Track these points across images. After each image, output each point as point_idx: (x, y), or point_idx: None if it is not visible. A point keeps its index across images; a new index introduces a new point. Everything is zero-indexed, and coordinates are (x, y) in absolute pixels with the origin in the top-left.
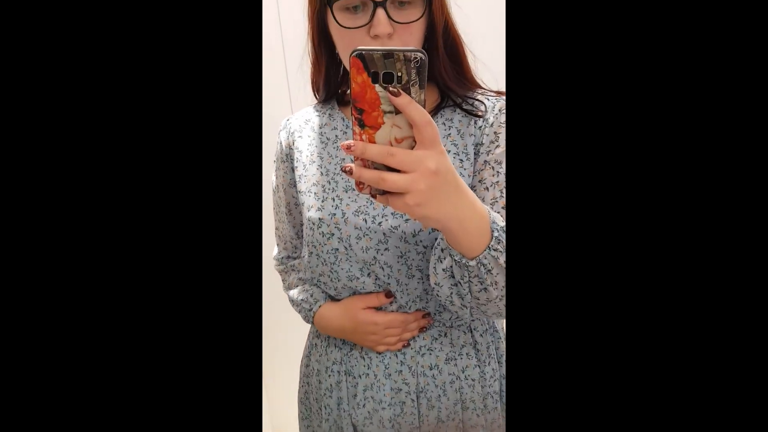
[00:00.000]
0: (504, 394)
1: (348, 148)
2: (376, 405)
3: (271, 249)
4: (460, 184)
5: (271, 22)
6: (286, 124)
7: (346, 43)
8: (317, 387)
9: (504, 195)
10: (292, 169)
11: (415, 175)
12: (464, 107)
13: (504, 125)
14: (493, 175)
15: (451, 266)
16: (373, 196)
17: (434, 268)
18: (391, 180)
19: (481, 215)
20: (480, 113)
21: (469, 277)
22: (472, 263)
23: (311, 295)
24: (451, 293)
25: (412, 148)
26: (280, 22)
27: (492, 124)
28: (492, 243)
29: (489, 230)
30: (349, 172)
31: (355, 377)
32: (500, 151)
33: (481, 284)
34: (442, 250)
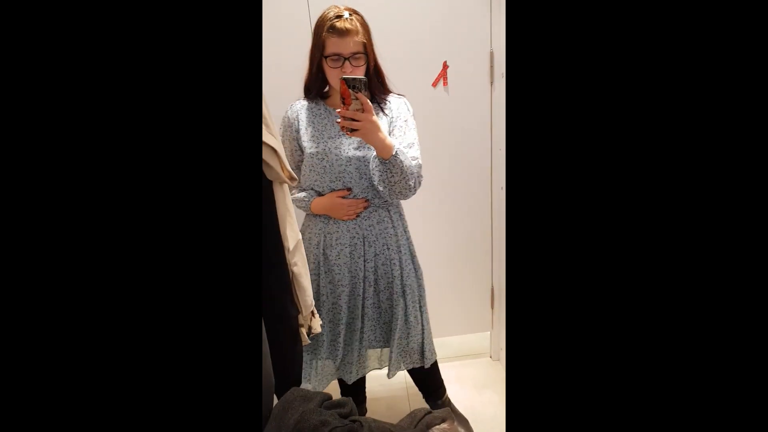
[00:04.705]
0: (409, 245)
1: (338, 111)
2: (342, 246)
3: None
4: (382, 129)
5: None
6: (292, 107)
7: (331, 75)
8: (308, 244)
9: (403, 141)
10: (297, 130)
11: (363, 123)
12: (380, 104)
13: (401, 111)
14: (398, 132)
15: (378, 165)
16: (348, 132)
17: (371, 165)
18: (355, 124)
19: (390, 143)
20: (385, 110)
21: (385, 169)
22: (386, 162)
23: (309, 194)
24: (379, 179)
25: (362, 113)
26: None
27: (397, 110)
28: (393, 154)
29: (393, 150)
30: (339, 122)
31: (331, 233)
32: (400, 123)
33: (390, 174)
34: (374, 157)
